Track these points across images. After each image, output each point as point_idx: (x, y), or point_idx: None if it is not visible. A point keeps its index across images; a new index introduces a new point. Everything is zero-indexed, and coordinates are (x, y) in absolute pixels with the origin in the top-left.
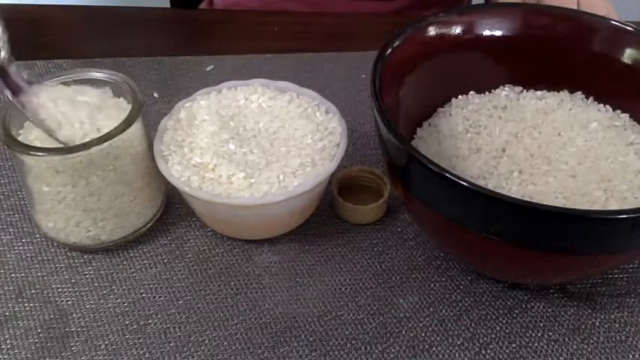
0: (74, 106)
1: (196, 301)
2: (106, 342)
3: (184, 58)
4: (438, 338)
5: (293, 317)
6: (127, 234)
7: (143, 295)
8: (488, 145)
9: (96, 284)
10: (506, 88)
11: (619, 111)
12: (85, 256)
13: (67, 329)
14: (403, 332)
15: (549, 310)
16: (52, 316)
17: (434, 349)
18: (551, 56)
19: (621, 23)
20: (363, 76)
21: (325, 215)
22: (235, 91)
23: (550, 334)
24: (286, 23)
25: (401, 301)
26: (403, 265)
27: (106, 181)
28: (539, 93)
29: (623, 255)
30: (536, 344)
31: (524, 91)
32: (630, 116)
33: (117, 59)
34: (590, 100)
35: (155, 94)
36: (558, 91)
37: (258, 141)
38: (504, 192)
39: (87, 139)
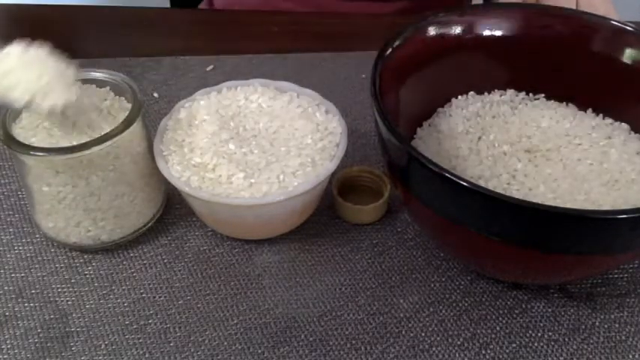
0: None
1: (196, 301)
2: (106, 342)
3: (184, 58)
4: (438, 338)
5: (293, 317)
6: (127, 234)
7: (143, 295)
8: (488, 145)
9: (96, 284)
10: (507, 90)
11: (619, 122)
12: (85, 256)
13: (67, 329)
14: (403, 332)
15: (549, 310)
16: (52, 316)
17: (434, 349)
18: (551, 56)
19: (621, 23)
20: (363, 76)
21: (325, 215)
22: (235, 91)
23: (550, 334)
24: (286, 23)
25: (401, 301)
26: (403, 265)
27: (106, 181)
28: (539, 95)
29: (623, 255)
30: (536, 344)
31: (525, 92)
32: (630, 121)
33: (117, 59)
34: (589, 105)
35: (155, 94)
36: (558, 92)
37: (258, 141)
38: (504, 192)
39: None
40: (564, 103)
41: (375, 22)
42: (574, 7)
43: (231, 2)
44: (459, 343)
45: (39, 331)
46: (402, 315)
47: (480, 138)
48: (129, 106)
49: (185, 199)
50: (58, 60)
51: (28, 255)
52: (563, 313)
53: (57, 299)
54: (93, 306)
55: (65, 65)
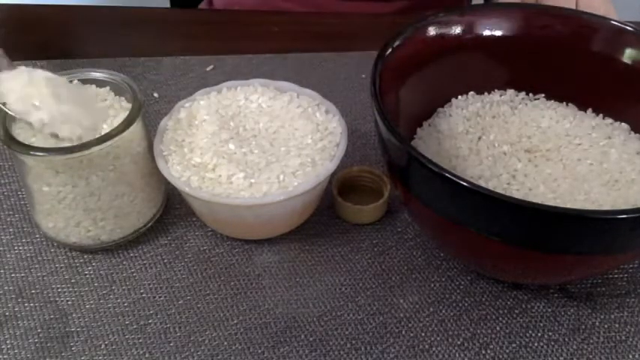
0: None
1: (196, 301)
2: (106, 342)
3: (184, 58)
4: (438, 338)
5: (293, 317)
6: (127, 234)
7: (143, 295)
8: (488, 145)
9: (96, 284)
10: (507, 90)
11: (619, 122)
12: (85, 256)
13: (67, 329)
14: (403, 332)
15: (549, 310)
16: (52, 316)
17: (434, 349)
18: (551, 56)
19: (621, 23)
20: (363, 76)
21: (325, 215)
22: (235, 91)
23: (550, 334)
24: (286, 23)
25: (401, 301)
26: (403, 265)
27: (106, 181)
28: (539, 95)
29: (623, 255)
30: (536, 344)
31: (525, 92)
32: (630, 121)
33: (117, 59)
34: (589, 105)
35: (155, 94)
36: (558, 92)
37: (258, 141)
38: (504, 192)
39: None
40: (564, 103)
41: (375, 22)
42: (574, 7)
43: (231, 2)
44: (459, 343)
45: (39, 331)
46: (402, 315)
47: (480, 138)
48: (129, 106)
49: (185, 199)
50: (81, 90)
51: (28, 255)
52: (563, 313)
53: (57, 299)
54: (93, 306)
55: (89, 96)
